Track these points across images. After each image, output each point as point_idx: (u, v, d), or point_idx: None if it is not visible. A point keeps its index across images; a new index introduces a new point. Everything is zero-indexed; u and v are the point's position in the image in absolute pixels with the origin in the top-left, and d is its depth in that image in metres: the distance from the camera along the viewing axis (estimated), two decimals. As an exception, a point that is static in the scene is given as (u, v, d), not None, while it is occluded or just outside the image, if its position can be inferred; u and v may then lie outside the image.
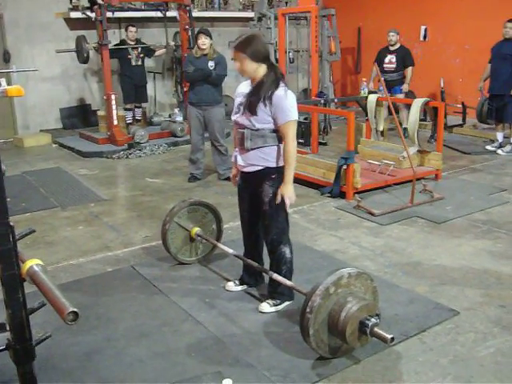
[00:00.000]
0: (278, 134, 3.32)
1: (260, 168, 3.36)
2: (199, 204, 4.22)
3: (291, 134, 3.27)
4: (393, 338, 2.77)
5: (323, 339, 2.86)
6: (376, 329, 2.81)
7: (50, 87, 9.81)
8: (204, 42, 6.21)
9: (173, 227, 4.08)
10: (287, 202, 3.32)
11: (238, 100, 3.42)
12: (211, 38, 6.30)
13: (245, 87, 3.42)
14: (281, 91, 3.23)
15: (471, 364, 2.89)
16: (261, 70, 3.28)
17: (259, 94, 3.25)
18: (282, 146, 3.35)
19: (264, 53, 3.29)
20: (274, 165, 3.35)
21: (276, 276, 3.41)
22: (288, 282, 3.37)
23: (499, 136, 7.98)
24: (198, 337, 3.21)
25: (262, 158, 3.33)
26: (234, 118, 3.43)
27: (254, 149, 3.32)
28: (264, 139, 3.30)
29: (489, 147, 8.00)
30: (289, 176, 3.32)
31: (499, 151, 7.82)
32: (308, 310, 2.79)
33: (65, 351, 3.07)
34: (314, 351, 2.90)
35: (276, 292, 3.52)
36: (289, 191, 3.32)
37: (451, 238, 4.71)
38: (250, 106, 3.29)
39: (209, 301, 3.65)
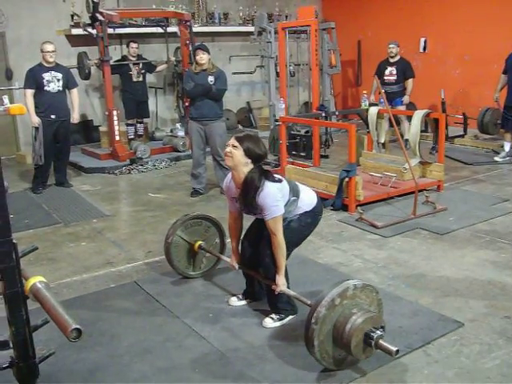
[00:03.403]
0: (291, 196, 3.39)
1: None
2: (202, 218, 4.22)
3: (278, 227, 3.29)
4: (398, 351, 2.76)
5: (328, 350, 2.85)
6: (381, 341, 2.80)
7: (51, 104, 9.82)
8: (202, 57, 6.23)
9: (176, 241, 4.08)
10: (277, 290, 3.36)
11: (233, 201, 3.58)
12: (209, 53, 6.31)
13: (231, 187, 3.56)
14: (264, 191, 3.26)
15: (477, 376, 2.87)
16: (247, 168, 3.31)
17: (248, 199, 3.32)
18: (300, 197, 3.44)
19: (256, 154, 3.31)
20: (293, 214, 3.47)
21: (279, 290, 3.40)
22: (292, 293, 3.36)
23: (507, 146, 7.94)
24: (202, 352, 3.20)
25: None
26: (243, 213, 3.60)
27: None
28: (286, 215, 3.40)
29: (497, 158, 7.93)
30: (281, 267, 3.34)
31: (497, 158, 7.88)
32: (313, 320, 2.78)
33: (68, 368, 3.06)
34: (318, 363, 2.88)
35: (279, 307, 3.50)
36: (281, 281, 3.36)
37: (454, 249, 4.70)
38: (249, 210, 3.41)
39: (212, 315, 3.64)
